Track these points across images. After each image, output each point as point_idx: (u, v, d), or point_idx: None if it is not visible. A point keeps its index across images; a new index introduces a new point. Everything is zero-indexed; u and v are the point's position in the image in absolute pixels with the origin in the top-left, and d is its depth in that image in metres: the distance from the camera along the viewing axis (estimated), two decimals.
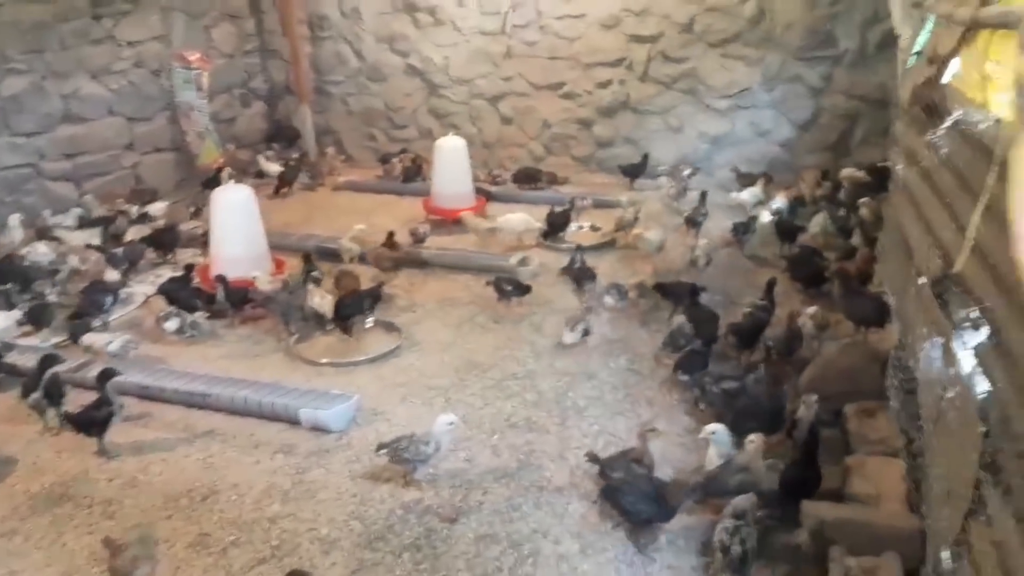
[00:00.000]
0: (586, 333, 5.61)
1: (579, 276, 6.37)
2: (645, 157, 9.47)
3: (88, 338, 5.55)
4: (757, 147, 9.40)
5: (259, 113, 11.36)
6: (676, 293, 5.85)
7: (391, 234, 7.16)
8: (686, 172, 9.26)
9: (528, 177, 9.63)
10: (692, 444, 4.38)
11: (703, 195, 7.92)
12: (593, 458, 4.09)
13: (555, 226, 7.73)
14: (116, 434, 4.62)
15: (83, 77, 8.69)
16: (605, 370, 5.30)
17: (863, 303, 5.09)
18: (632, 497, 3.67)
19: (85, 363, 5.33)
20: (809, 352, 5.09)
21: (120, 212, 8.11)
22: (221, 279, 6.19)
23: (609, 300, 6.10)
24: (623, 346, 5.62)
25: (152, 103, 9.45)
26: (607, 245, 7.61)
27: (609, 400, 4.91)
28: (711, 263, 6.66)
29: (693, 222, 7.68)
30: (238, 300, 6.13)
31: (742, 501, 3.43)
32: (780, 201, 7.78)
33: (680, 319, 5.33)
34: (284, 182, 9.68)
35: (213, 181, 8.61)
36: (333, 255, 7.27)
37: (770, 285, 5.64)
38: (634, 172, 9.36)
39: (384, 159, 10.45)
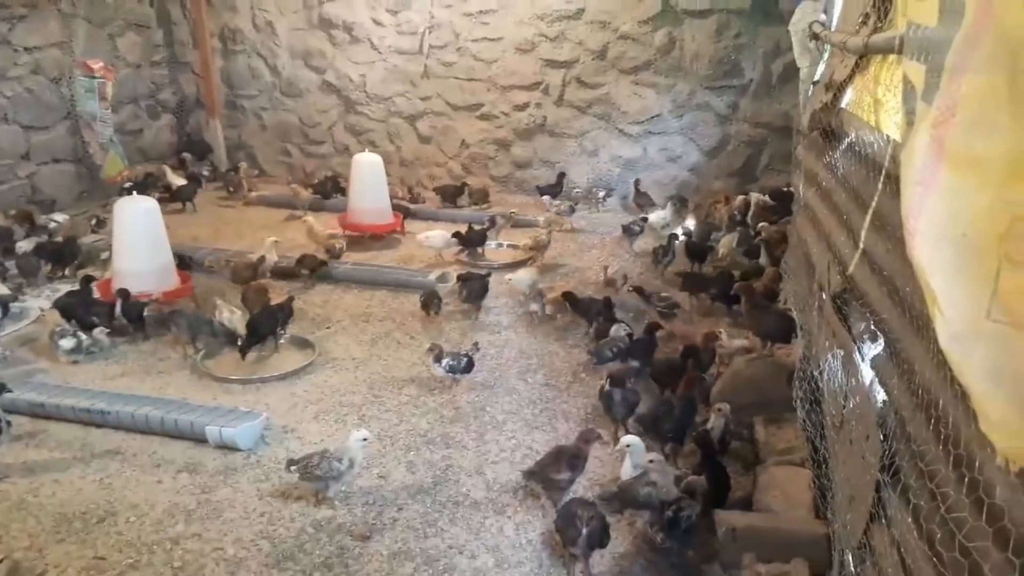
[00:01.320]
0: (462, 368, 5.14)
1: (471, 294, 6.37)
2: (561, 176, 9.61)
3: None
4: (668, 171, 9.67)
5: (168, 126, 10.98)
6: (588, 308, 5.94)
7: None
8: (601, 194, 9.51)
9: (454, 194, 9.66)
10: (606, 457, 4.41)
11: (642, 209, 8.33)
12: (529, 474, 4.03)
13: (470, 242, 7.72)
14: (4, 454, 4.32)
15: None
16: (523, 385, 5.31)
17: (770, 319, 5.26)
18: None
19: None
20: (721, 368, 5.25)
21: (13, 218, 7.68)
22: (123, 293, 5.91)
23: (534, 307, 6.22)
24: (540, 361, 5.66)
25: (51, 112, 9.00)
26: (523, 263, 7.65)
27: (527, 415, 4.91)
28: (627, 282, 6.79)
29: (629, 231, 7.97)
30: (137, 315, 5.86)
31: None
32: (690, 223, 8.02)
33: (618, 328, 5.37)
34: (176, 196, 9.25)
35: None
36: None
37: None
38: (551, 192, 9.47)
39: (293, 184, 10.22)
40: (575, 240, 8.49)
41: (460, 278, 6.56)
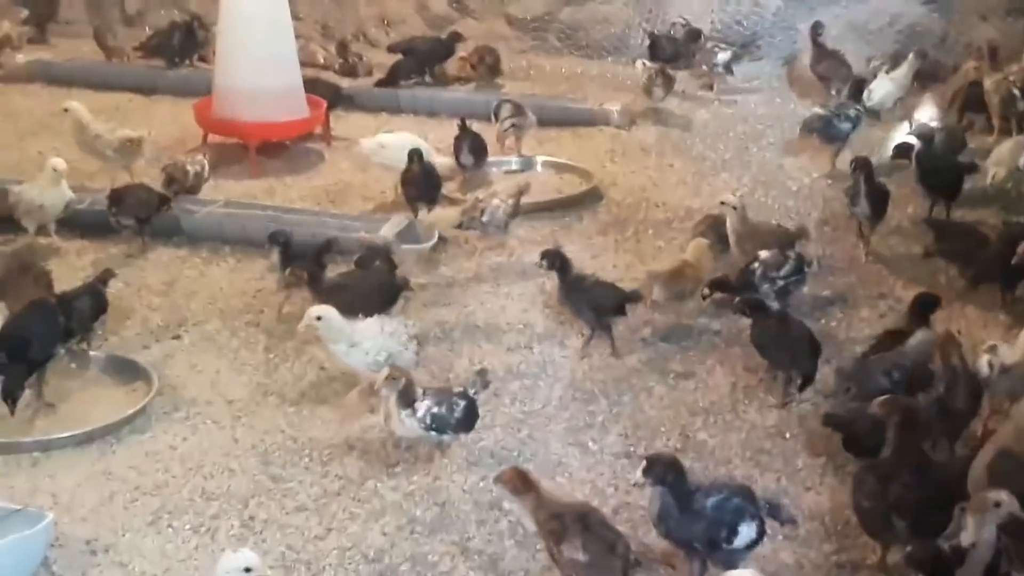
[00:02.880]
0: (454, 422, 5.21)
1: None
2: (693, 35, 9.60)
3: None
4: (880, 6, 9.61)
5: None
6: (596, 301, 6.09)
7: None
8: (721, 56, 9.49)
9: (429, 56, 9.78)
10: None
11: (855, 83, 8.42)
12: None
13: (425, 189, 7.47)
14: None
15: None
16: (578, 454, 5.33)
17: None
18: None
19: None
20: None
21: None
22: None
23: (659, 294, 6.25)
24: (614, 406, 5.69)
25: None
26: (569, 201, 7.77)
27: None
28: None
29: (828, 130, 8.04)
30: None
31: None
32: (928, 113, 7.95)
33: (926, 335, 5.46)
34: None
35: None
36: (2, 218, 7.18)
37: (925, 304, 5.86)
38: (672, 53, 9.55)
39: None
40: (671, 150, 8.50)
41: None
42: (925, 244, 6.80)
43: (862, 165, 7.01)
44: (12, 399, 5.44)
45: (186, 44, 9.90)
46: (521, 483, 4.32)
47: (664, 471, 4.30)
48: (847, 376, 5.51)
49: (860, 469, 4.77)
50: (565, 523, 4.22)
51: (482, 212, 7.04)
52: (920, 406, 4.89)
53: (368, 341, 5.51)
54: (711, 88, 9.57)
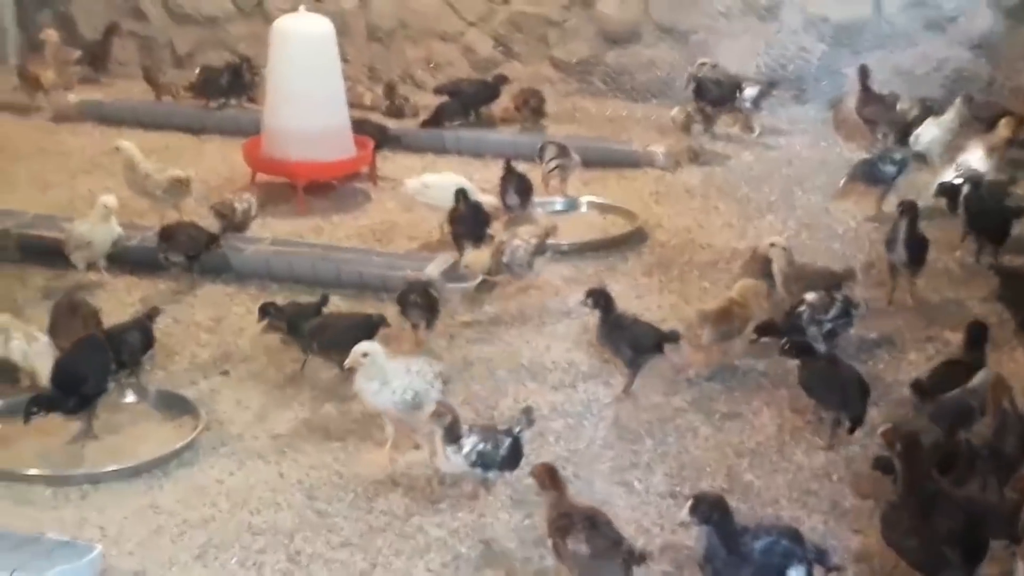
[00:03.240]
0: (500, 460, 5.21)
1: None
2: (735, 88, 9.57)
3: None
4: (926, 50, 9.57)
5: None
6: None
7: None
8: (748, 91, 9.48)
9: (476, 98, 9.82)
10: None
11: (902, 127, 8.47)
12: None
13: (469, 229, 7.50)
14: None
15: None
16: (623, 494, 5.29)
17: None
18: None
19: None
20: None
21: None
22: None
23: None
24: (661, 445, 5.67)
25: None
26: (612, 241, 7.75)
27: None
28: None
29: (873, 173, 7.99)
30: None
31: None
32: (975, 157, 7.90)
33: (983, 379, 5.40)
34: None
35: None
36: (53, 254, 7.21)
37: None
38: (718, 96, 9.54)
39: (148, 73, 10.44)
40: (716, 192, 8.51)
41: None
42: (991, 287, 6.76)
43: (908, 209, 6.91)
44: (28, 415, 5.45)
45: (233, 84, 9.98)
46: (549, 479, 4.55)
47: (710, 510, 4.26)
48: (929, 416, 5.42)
49: (887, 506, 4.72)
50: (573, 520, 4.37)
51: (503, 254, 7.03)
52: (919, 432, 4.86)
53: (396, 380, 5.48)
54: (751, 130, 9.56)
